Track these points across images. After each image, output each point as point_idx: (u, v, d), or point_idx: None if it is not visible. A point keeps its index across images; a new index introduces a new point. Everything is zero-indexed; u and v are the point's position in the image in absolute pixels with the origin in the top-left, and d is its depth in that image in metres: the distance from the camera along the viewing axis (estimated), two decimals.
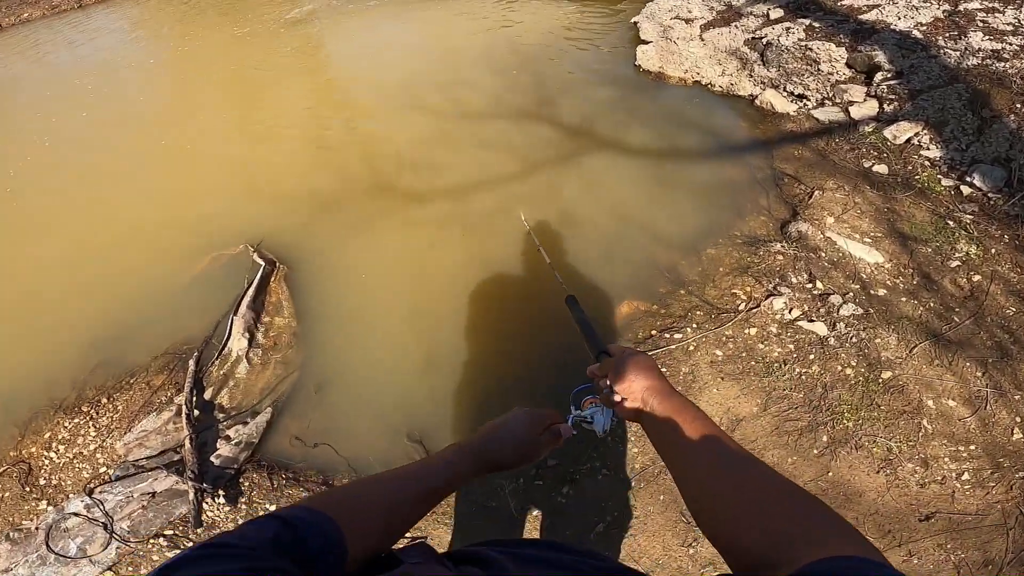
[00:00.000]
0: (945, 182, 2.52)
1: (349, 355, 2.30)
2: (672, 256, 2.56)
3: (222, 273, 2.68)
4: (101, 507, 1.94)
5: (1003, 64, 2.85)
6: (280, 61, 4.95)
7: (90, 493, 1.99)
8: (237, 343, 2.25)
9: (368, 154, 3.49)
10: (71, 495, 2.05)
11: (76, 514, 1.96)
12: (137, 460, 2.03)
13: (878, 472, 1.56)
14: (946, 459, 1.53)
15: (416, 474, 0.55)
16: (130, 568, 1.85)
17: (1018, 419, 1.61)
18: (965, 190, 2.46)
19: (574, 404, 0.74)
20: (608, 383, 0.64)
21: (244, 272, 2.63)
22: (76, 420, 2.24)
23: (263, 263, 2.58)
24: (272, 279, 2.56)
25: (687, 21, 4.03)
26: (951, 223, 2.28)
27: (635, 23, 4.17)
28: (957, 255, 2.15)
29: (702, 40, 3.83)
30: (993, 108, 2.68)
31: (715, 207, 2.77)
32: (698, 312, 2.25)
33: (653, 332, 2.22)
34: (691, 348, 2.09)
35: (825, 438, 1.66)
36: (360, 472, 1.96)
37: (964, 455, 1.53)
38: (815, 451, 1.63)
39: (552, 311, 2.36)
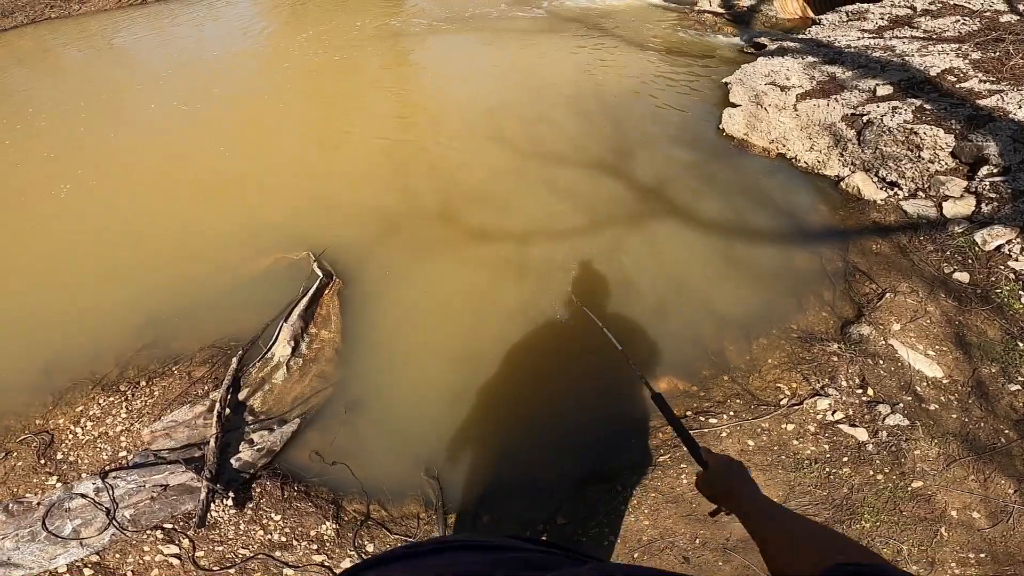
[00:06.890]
0: None
1: (385, 380, 2.88)
2: (722, 339, 3.02)
3: (281, 276, 3.40)
4: (110, 492, 2.41)
5: None
6: (371, 71, 5.98)
7: (104, 476, 2.47)
8: (281, 349, 2.86)
9: (441, 179, 4.25)
10: (84, 475, 2.52)
11: (83, 495, 2.41)
12: (159, 451, 2.61)
13: None
14: (952, 563, 1.92)
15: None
16: (117, 556, 2.26)
17: None
18: None
19: None
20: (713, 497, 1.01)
21: (301, 279, 3.33)
22: (111, 398, 2.85)
23: (320, 274, 3.27)
24: (326, 291, 3.22)
25: (783, 88, 4.61)
26: (1021, 344, 2.65)
27: (726, 83, 4.81)
28: (1021, 378, 2.52)
29: (795, 110, 4.39)
30: None
31: (776, 295, 3.24)
32: (737, 400, 2.69)
33: (688, 412, 2.68)
34: (723, 434, 2.53)
35: None
36: (371, 496, 2.46)
37: (972, 560, 1.90)
38: None
39: (593, 379, 2.86)
